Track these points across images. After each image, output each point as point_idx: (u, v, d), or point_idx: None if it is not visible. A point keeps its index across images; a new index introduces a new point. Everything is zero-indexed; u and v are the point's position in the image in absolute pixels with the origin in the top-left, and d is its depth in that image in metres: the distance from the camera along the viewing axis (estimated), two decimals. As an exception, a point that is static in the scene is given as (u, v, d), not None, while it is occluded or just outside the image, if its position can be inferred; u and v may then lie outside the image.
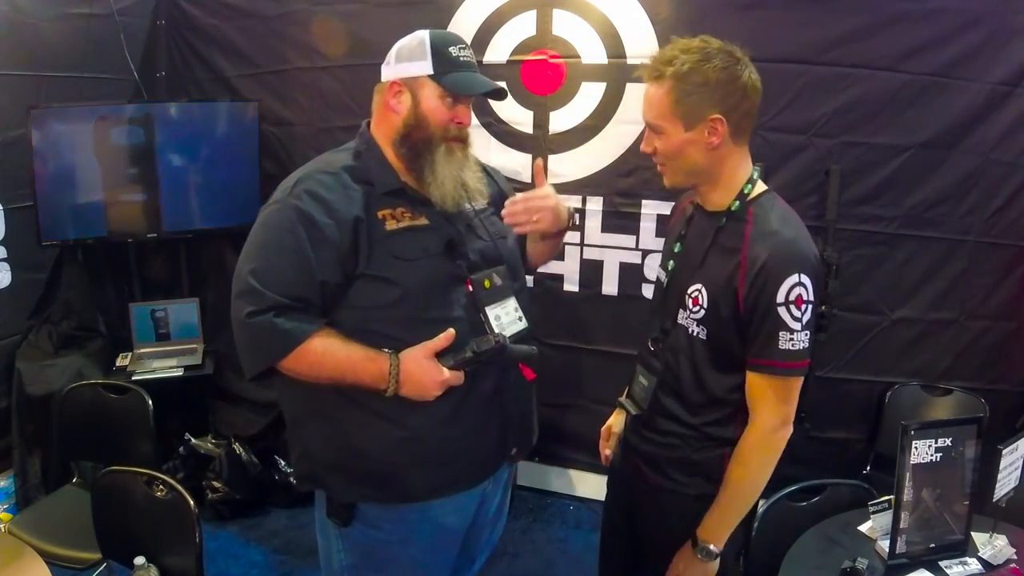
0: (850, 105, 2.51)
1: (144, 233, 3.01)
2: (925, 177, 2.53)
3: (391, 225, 1.42)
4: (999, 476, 1.60)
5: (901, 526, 1.56)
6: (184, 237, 3.14)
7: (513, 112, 2.82)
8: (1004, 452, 1.60)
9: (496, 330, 1.45)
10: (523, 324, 1.52)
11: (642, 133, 1.49)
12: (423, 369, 1.37)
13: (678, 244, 1.57)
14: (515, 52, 2.79)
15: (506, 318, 1.49)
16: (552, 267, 2.92)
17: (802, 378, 1.43)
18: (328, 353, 1.37)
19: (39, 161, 2.72)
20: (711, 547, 1.48)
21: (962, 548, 1.61)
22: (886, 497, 1.64)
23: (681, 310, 1.51)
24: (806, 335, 1.37)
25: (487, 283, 1.48)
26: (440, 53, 1.44)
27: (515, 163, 2.86)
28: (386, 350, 1.39)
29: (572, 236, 2.86)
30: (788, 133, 2.57)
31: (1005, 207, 2.51)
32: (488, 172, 1.65)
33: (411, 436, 1.43)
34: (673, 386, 1.53)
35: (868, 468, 2.65)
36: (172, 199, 3.04)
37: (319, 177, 1.42)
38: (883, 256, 2.60)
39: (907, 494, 1.55)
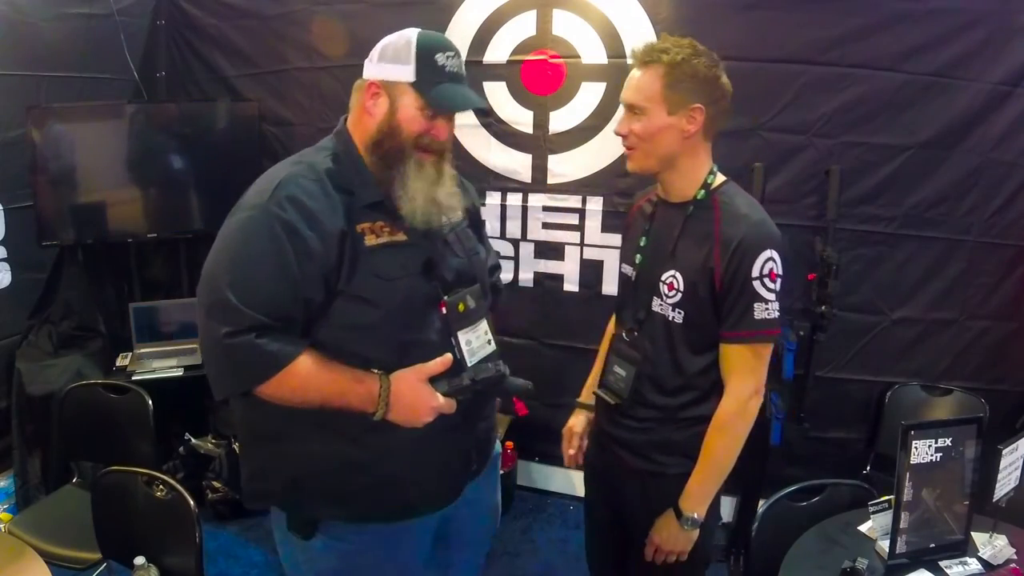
0: (850, 105, 2.51)
1: (144, 233, 3.01)
2: (925, 177, 2.53)
3: (371, 240, 1.32)
4: (999, 476, 1.60)
5: (901, 526, 1.56)
6: (184, 237, 3.14)
7: (513, 112, 2.82)
8: (1004, 452, 1.60)
9: (467, 355, 1.39)
10: (492, 347, 1.45)
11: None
12: (416, 393, 1.30)
13: (643, 239, 1.65)
14: (515, 52, 2.79)
15: (476, 342, 1.42)
16: (552, 267, 2.92)
17: (772, 346, 1.53)
18: (312, 376, 1.27)
19: (39, 161, 2.72)
20: (695, 516, 1.55)
21: (962, 548, 1.61)
22: (886, 497, 1.64)
23: (655, 298, 1.58)
24: (777, 306, 1.49)
25: (461, 306, 1.40)
26: (425, 60, 1.34)
27: (515, 163, 2.86)
28: (375, 371, 1.30)
29: (572, 236, 2.87)
30: (788, 133, 2.57)
31: (1005, 207, 2.52)
32: (463, 186, 1.55)
33: (375, 459, 1.36)
34: (650, 372, 1.59)
35: (868, 468, 2.65)
36: (172, 199, 3.04)
37: (303, 184, 1.29)
38: (883, 256, 2.61)
39: (907, 494, 1.55)
